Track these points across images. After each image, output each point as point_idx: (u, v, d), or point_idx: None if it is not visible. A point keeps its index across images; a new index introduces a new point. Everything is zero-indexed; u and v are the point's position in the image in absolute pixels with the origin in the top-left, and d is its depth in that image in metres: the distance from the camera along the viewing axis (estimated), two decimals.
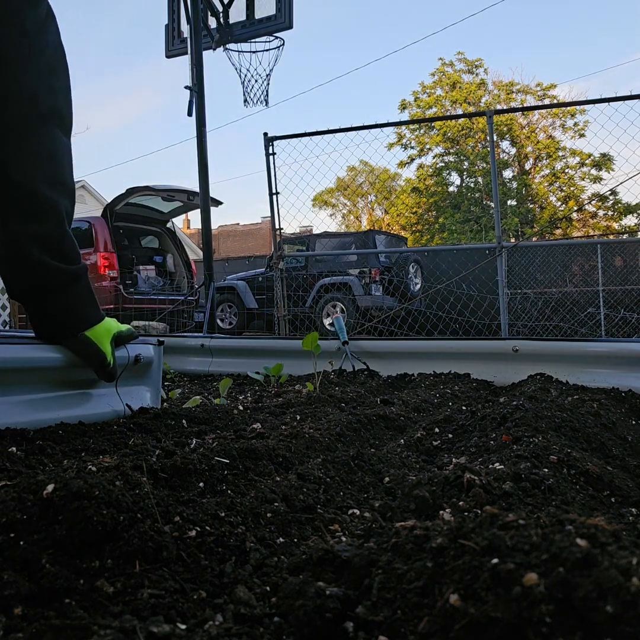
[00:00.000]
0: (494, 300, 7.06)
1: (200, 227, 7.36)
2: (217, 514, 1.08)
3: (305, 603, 0.73)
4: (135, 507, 0.98)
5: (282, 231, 7.28)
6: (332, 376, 3.81)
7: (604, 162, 21.20)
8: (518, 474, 1.39)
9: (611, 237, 17.35)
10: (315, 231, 17.28)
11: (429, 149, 24.91)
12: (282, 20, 6.89)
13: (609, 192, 19.86)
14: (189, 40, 6.72)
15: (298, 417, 2.31)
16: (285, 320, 7.16)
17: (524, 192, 23.20)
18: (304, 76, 53.11)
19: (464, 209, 22.76)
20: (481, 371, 3.78)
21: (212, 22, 7.19)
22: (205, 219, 6.93)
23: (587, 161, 21.83)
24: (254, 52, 7.27)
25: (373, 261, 10.26)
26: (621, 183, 9.23)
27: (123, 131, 62.72)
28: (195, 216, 36.06)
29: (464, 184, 24.30)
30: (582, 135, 22.51)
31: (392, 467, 1.70)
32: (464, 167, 24.05)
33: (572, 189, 22.38)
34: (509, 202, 22.55)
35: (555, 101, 22.72)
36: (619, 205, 20.94)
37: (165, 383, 3.88)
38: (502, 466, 1.47)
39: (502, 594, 0.61)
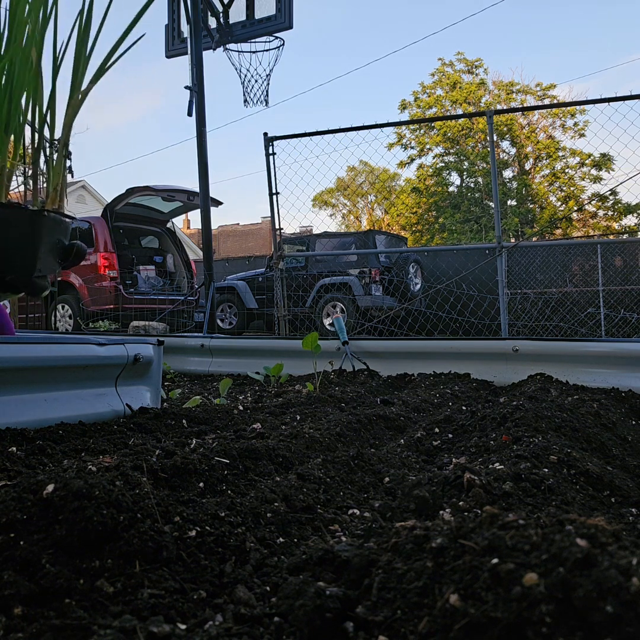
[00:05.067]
0: (494, 300, 7.06)
1: (200, 227, 7.36)
2: (217, 514, 1.08)
3: (305, 603, 0.73)
4: (135, 507, 0.98)
5: (282, 231, 7.27)
6: (332, 376, 3.81)
7: (604, 162, 21.18)
8: (518, 474, 1.39)
9: (611, 237, 17.33)
10: (315, 231, 17.28)
11: (429, 149, 24.90)
12: (282, 20, 6.88)
13: (609, 192, 19.84)
14: (189, 40, 6.72)
15: (298, 417, 2.31)
16: (285, 320, 7.16)
17: (524, 192, 23.19)
18: (304, 76, 53.09)
19: (464, 209, 22.75)
20: (481, 371, 3.78)
21: (212, 22, 7.18)
22: (205, 219, 6.93)
23: (587, 161, 21.80)
24: (254, 52, 7.27)
25: (373, 261, 10.25)
26: (621, 183, 9.23)
27: (123, 131, 62.72)
28: (195, 216, 36.10)
29: (464, 184, 24.29)
30: (582, 135, 22.50)
31: (392, 467, 1.70)
32: (464, 167, 24.03)
33: (572, 189, 22.35)
34: (509, 202, 22.53)
35: (555, 101, 22.72)
36: (619, 205, 20.93)
37: (165, 383, 3.88)
38: (502, 466, 1.47)
39: (502, 594, 0.61)
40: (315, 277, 10.51)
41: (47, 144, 2.15)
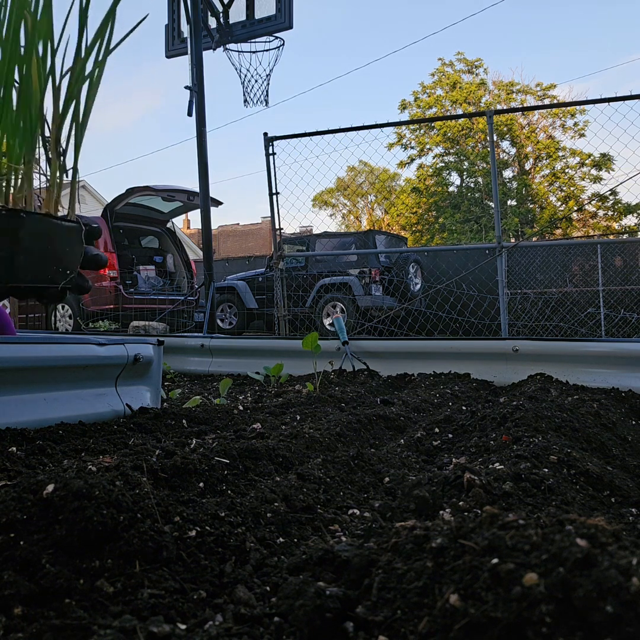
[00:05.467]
0: (494, 300, 7.06)
1: (200, 227, 7.36)
2: (217, 514, 1.08)
3: (305, 603, 0.73)
4: (135, 507, 0.98)
5: (282, 231, 7.27)
6: (332, 376, 3.81)
7: (604, 162, 21.19)
8: (518, 474, 1.39)
9: (611, 237, 17.32)
10: (315, 231, 17.28)
11: (429, 149, 24.90)
12: (282, 20, 6.88)
13: (609, 192, 19.84)
14: (189, 40, 6.72)
15: (298, 417, 2.31)
16: (285, 320, 7.16)
17: (524, 192, 23.18)
18: (304, 76, 53.08)
19: (464, 209, 22.75)
20: (481, 371, 3.78)
21: (212, 22, 7.18)
22: (205, 219, 6.93)
23: (587, 161, 21.81)
24: (254, 52, 7.27)
25: (373, 261, 10.25)
26: (621, 183, 9.24)
27: (123, 131, 62.76)
28: (195, 216, 36.08)
29: (464, 184, 24.29)
30: (582, 135, 22.50)
31: (392, 467, 1.70)
32: (464, 167, 24.03)
33: (572, 189, 22.36)
34: (509, 202, 22.53)
35: (555, 101, 22.73)
36: (619, 205, 20.93)
37: (165, 383, 3.88)
38: (502, 466, 1.47)
39: (502, 594, 0.61)
40: (315, 277, 10.51)
41: (40, 142, 2.12)
